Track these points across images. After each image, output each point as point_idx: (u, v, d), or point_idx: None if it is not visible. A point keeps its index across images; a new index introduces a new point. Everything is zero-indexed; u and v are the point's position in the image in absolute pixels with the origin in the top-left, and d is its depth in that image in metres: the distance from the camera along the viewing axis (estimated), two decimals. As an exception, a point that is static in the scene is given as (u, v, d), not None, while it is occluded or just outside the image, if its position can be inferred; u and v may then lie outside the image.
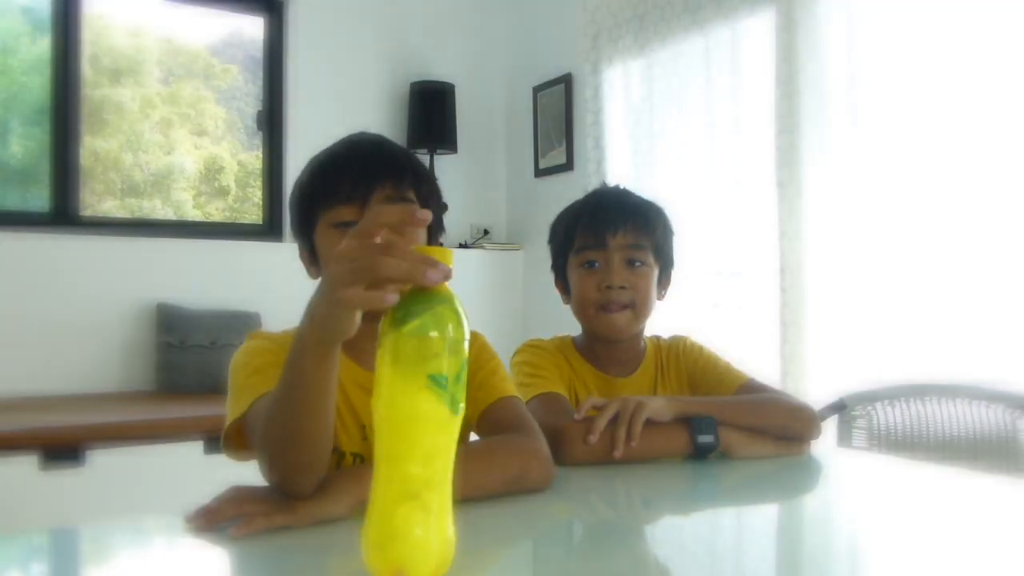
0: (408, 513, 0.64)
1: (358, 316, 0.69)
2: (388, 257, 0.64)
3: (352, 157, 1.12)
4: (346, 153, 1.13)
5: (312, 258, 1.16)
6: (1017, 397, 1.68)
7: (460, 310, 0.65)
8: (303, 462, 0.84)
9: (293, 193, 1.17)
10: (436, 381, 0.63)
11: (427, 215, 0.66)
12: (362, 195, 1.08)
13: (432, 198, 1.18)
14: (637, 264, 1.41)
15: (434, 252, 0.64)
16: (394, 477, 0.64)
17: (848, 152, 2.48)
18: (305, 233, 1.15)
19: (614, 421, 1.20)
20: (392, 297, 0.65)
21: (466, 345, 0.65)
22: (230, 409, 1.06)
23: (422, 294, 0.65)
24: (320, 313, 0.72)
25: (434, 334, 0.63)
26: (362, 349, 1.13)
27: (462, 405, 0.65)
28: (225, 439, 1.06)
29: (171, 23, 3.63)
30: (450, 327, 0.63)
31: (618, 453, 1.18)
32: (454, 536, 0.67)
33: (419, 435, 0.64)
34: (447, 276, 0.63)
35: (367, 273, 0.65)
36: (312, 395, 0.79)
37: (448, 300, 0.65)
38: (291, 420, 0.81)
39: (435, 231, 1.19)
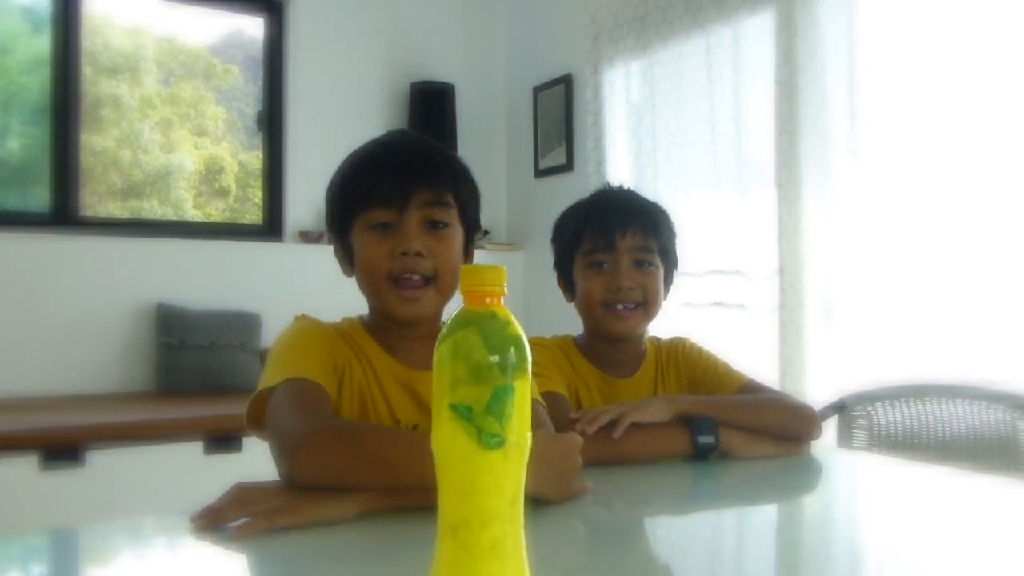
0: (444, 551, 0.60)
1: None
2: None
3: (390, 159, 1.11)
4: (384, 154, 1.12)
5: (347, 255, 1.15)
6: (1017, 397, 1.67)
7: (493, 332, 0.59)
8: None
9: (330, 190, 1.16)
10: (458, 411, 0.58)
11: None
12: (400, 199, 1.08)
13: (472, 199, 1.17)
14: (645, 266, 1.41)
15: (488, 271, 0.60)
16: (440, 509, 0.61)
17: (847, 152, 2.48)
18: (341, 231, 1.14)
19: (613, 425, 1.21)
20: None
21: (494, 372, 0.58)
22: (263, 381, 1.05)
23: (466, 315, 0.60)
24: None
25: (451, 360, 0.59)
26: (396, 347, 1.13)
27: (500, 439, 0.58)
28: (250, 409, 1.06)
29: (171, 23, 3.63)
30: (473, 352, 0.58)
31: (617, 434, 1.19)
32: None
33: (449, 469, 0.60)
34: None
35: None
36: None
37: (477, 322, 0.59)
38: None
39: (472, 232, 1.19)
